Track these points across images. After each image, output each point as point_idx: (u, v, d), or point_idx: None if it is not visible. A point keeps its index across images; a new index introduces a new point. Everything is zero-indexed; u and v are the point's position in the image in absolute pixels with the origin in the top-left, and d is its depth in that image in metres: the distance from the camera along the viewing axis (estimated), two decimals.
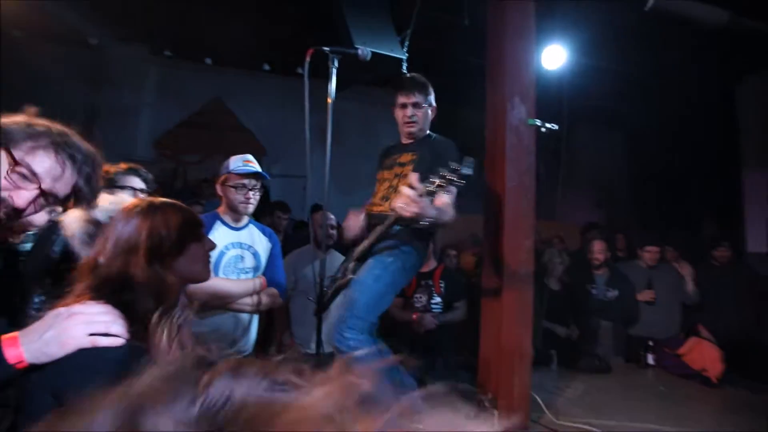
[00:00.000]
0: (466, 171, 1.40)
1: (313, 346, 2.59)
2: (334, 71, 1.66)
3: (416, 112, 1.88)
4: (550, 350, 3.20)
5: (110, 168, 1.91)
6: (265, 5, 3.60)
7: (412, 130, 1.89)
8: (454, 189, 1.50)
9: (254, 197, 1.87)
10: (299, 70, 4.77)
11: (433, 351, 2.86)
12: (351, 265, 1.79)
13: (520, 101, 2.10)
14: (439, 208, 1.58)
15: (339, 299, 1.70)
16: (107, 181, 1.90)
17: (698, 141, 4.72)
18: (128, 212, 0.95)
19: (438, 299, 3.03)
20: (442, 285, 3.05)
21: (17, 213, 0.82)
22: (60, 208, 0.88)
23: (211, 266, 1.70)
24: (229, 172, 1.86)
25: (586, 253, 3.76)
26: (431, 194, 1.48)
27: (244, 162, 1.89)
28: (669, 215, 4.94)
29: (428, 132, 1.94)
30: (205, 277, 1.08)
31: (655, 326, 3.39)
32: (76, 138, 0.89)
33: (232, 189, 1.85)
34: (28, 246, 1.95)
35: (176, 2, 3.42)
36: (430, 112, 1.92)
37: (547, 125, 2.12)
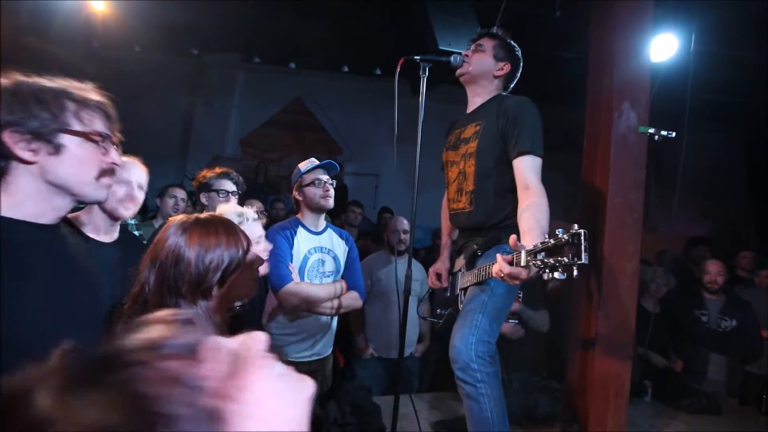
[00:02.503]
0: (584, 258, 1.03)
1: (387, 351, 2.60)
2: (425, 80, 1.59)
3: (473, 54, 1.67)
4: (644, 380, 2.85)
5: (206, 173, 2.09)
6: (345, 9, 3.65)
7: (462, 70, 1.67)
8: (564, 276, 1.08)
9: (331, 190, 1.92)
10: (377, 71, 4.80)
11: (509, 371, 2.70)
12: (459, 292, 1.72)
13: (630, 107, 1.85)
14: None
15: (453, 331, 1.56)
16: (204, 186, 2.06)
17: None
18: (178, 226, 0.94)
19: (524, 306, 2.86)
20: (520, 294, 2.87)
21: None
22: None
23: (282, 273, 1.77)
24: (302, 174, 1.92)
25: (692, 272, 3.29)
26: (541, 267, 1.12)
27: (311, 162, 1.95)
28: None
29: (500, 93, 1.71)
30: (251, 294, 1.08)
31: None
32: (78, 90, 0.86)
33: (310, 186, 1.90)
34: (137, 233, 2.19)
35: (265, 12, 3.61)
36: (491, 59, 1.67)
37: (662, 133, 1.84)
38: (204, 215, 1.01)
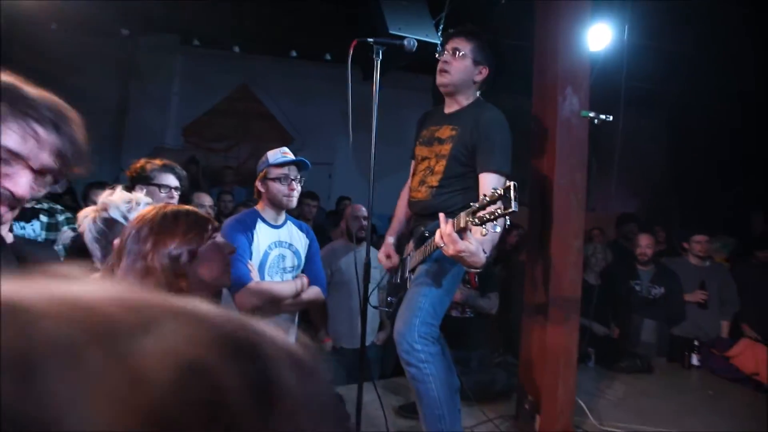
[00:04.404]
0: (514, 206, 1.12)
1: (350, 341, 2.59)
2: (378, 63, 1.57)
3: (452, 60, 1.63)
4: (588, 348, 3.10)
5: (145, 164, 1.89)
6: None
7: (443, 81, 1.65)
8: (499, 228, 1.19)
9: (297, 188, 1.83)
10: (326, 57, 4.67)
11: (466, 347, 2.81)
12: (408, 275, 1.73)
13: (572, 91, 1.95)
14: (483, 242, 1.32)
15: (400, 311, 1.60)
16: (142, 178, 1.88)
17: (749, 124, 4.37)
18: (139, 221, 0.95)
19: (474, 293, 2.97)
20: (477, 279, 2.98)
21: (20, 201, 0.70)
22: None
23: (241, 272, 1.69)
24: (269, 165, 1.82)
25: (626, 247, 3.59)
26: (478, 223, 1.21)
27: (283, 154, 1.84)
28: (713, 208, 4.65)
29: (478, 97, 1.71)
30: (226, 282, 1.06)
31: (701, 326, 3.22)
32: (28, 90, 0.68)
33: (275, 182, 1.80)
34: (38, 232, 1.97)
35: None
36: (471, 66, 1.64)
37: (602, 117, 1.96)
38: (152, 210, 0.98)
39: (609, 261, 3.35)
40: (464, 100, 1.72)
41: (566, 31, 2.00)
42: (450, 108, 1.75)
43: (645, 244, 3.24)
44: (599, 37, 3.33)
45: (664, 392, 2.71)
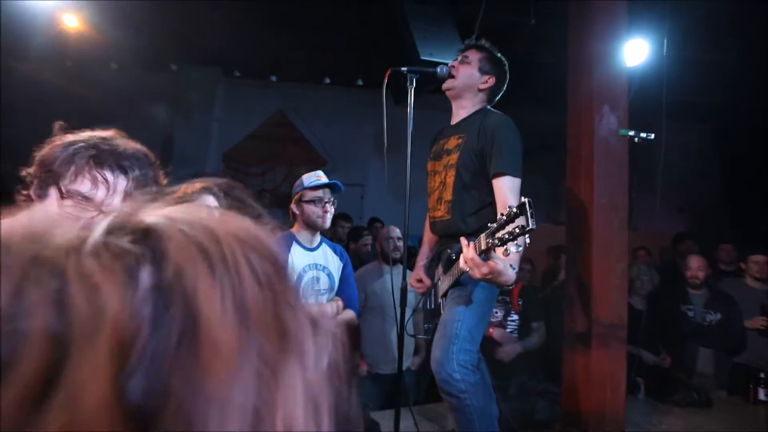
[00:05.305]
0: (531, 224, 1.10)
1: (384, 365, 2.56)
2: (412, 91, 1.61)
3: (459, 66, 1.67)
4: (637, 378, 2.89)
5: (186, 188, 2.01)
6: (324, 21, 3.67)
7: (447, 84, 1.68)
8: (521, 248, 1.16)
9: (330, 210, 1.88)
10: (359, 82, 4.82)
11: (506, 376, 2.70)
12: (440, 301, 1.71)
13: (609, 110, 1.90)
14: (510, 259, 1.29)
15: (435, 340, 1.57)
16: (183, 202, 2.00)
17: None
18: None
19: (515, 317, 2.87)
20: (520, 303, 2.89)
21: None
22: None
23: None
24: (304, 188, 1.88)
25: (678, 269, 3.37)
26: (499, 244, 1.19)
27: (317, 177, 1.91)
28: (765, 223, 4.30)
29: (485, 106, 1.72)
30: None
31: (766, 355, 2.94)
32: (118, 142, 0.82)
33: (309, 204, 1.86)
34: None
35: (244, 26, 3.60)
36: (477, 74, 1.68)
37: (642, 135, 1.90)
38: None
39: (656, 283, 3.15)
40: (470, 107, 1.72)
41: (601, 47, 1.97)
42: (456, 118, 1.76)
43: (696, 266, 3.03)
44: (636, 51, 3.25)
45: (725, 429, 2.47)
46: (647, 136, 1.91)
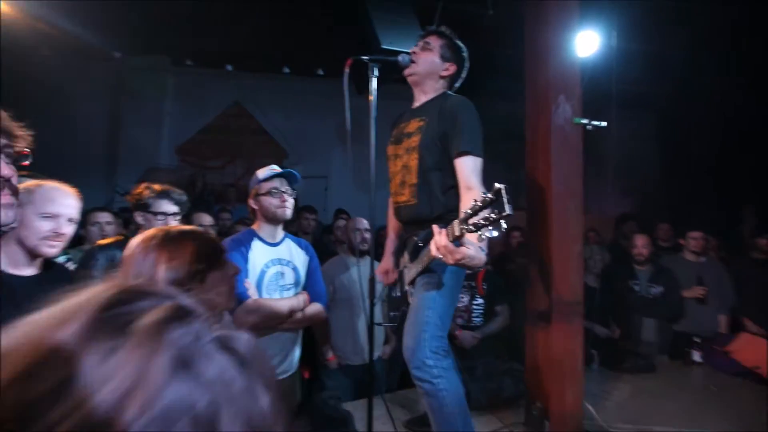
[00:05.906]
0: (508, 209, 1.07)
1: (355, 357, 2.58)
2: (375, 80, 1.60)
3: (420, 52, 1.68)
4: (591, 350, 3.11)
5: (144, 190, 1.87)
6: (282, 9, 3.55)
7: (409, 70, 1.68)
8: (495, 233, 1.12)
9: (289, 200, 1.84)
10: (319, 72, 4.72)
11: (472, 356, 2.81)
12: (407, 288, 1.73)
13: (565, 99, 1.99)
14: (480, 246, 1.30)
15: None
16: (141, 205, 1.85)
17: (737, 121, 4.46)
18: (144, 245, 0.93)
19: (480, 301, 2.97)
20: (485, 287, 2.99)
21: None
22: None
23: (238, 291, 1.68)
24: (259, 182, 1.84)
25: (624, 247, 3.63)
26: (473, 230, 1.17)
27: (271, 170, 1.87)
28: (704, 204, 4.72)
29: (445, 91, 1.73)
30: (229, 305, 1.06)
31: (701, 322, 3.25)
32: None
33: (266, 196, 1.82)
34: (63, 260, 1.94)
35: (196, 13, 3.39)
36: (438, 60, 1.69)
37: (594, 123, 2.01)
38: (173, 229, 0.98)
39: (607, 262, 3.38)
40: (431, 92, 1.73)
41: (555, 38, 2.05)
42: (417, 103, 1.78)
43: (641, 244, 3.29)
44: (587, 43, 3.41)
45: (668, 390, 2.73)
46: (599, 124, 2.02)
